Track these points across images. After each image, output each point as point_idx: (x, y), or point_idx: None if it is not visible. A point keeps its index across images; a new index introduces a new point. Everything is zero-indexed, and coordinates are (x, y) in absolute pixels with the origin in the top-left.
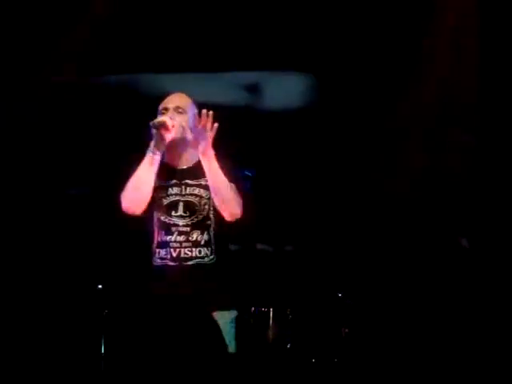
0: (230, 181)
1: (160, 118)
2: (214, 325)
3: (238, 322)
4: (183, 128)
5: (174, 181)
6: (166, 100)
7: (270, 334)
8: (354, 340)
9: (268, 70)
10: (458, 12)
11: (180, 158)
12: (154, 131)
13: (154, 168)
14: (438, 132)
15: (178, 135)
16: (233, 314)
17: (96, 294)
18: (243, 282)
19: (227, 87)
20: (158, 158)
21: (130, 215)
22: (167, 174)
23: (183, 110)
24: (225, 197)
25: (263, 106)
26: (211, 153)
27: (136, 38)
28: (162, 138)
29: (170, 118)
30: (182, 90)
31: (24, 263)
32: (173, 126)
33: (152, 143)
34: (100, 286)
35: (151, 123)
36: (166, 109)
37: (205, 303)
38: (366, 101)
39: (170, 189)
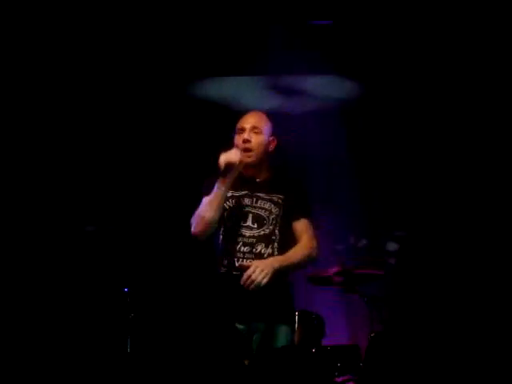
0: (309, 219)
1: (227, 159)
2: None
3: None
4: (259, 149)
5: (246, 192)
6: (243, 119)
7: (296, 337)
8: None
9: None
10: None
11: (256, 173)
12: (221, 168)
13: (219, 200)
14: None
15: (255, 158)
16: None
17: (122, 297)
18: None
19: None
20: (223, 193)
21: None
22: (240, 184)
23: (259, 130)
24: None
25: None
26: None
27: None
28: (230, 175)
29: (247, 141)
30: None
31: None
32: (240, 162)
33: (218, 180)
34: (126, 290)
35: (219, 163)
36: (243, 129)
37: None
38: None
39: (241, 199)
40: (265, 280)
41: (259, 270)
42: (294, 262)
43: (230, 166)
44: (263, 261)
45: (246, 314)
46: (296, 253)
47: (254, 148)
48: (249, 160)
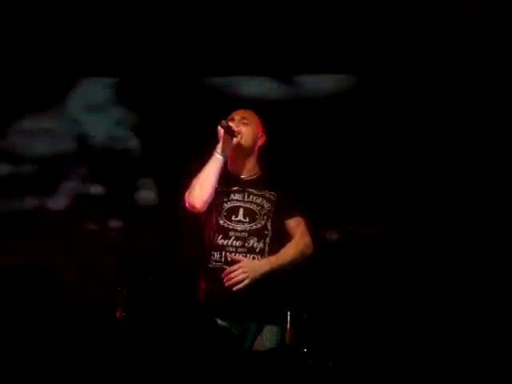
0: (301, 216)
1: (227, 123)
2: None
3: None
4: (247, 137)
5: (237, 187)
6: (232, 113)
7: (287, 337)
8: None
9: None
10: None
11: (243, 168)
12: (220, 133)
13: (218, 168)
14: None
15: (243, 142)
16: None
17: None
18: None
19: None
20: (222, 159)
21: (192, 212)
22: (230, 180)
23: (248, 121)
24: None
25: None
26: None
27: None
28: (227, 142)
29: (236, 126)
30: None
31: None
32: (238, 133)
33: (218, 145)
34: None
35: (220, 123)
36: (232, 119)
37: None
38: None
39: (231, 194)
40: (241, 284)
41: (241, 271)
42: (286, 261)
43: (230, 130)
44: (253, 262)
45: (237, 311)
46: (288, 251)
47: (243, 133)
48: (239, 140)
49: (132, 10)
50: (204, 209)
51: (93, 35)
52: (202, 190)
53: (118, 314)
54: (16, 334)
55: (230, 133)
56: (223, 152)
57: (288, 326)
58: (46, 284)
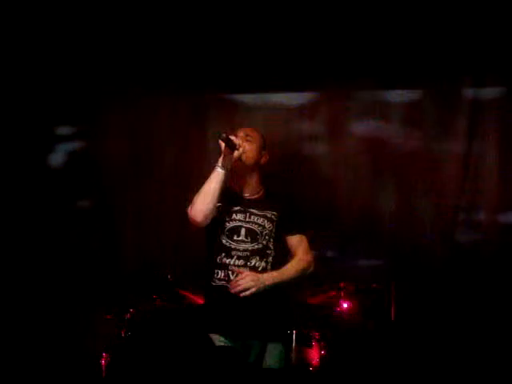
0: (303, 233)
1: (229, 136)
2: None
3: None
4: (250, 154)
5: (239, 207)
6: (236, 130)
7: (293, 356)
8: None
9: None
10: None
11: (246, 188)
12: (221, 147)
13: (220, 182)
14: None
15: (245, 159)
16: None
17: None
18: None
19: None
20: (223, 172)
21: (195, 226)
22: (233, 199)
23: (252, 138)
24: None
25: None
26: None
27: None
28: (229, 154)
29: (240, 142)
30: None
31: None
32: (240, 146)
33: (220, 158)
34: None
35: (220, 138)
36: (236, 135)
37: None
38: None
39: (234, 214)
40: (248, 292)
41: (249, 279)
42: (288, 277)
43: (231, 143)
44: (258, 274)
45: (241, 330)
46: (291, 268)
47: (246, 150)
48: (241, 155)
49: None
50: (206, 223)
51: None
52: (203, 204)
53: (122, 333)
54: None
55: (231, 145)
56: (224, 166)
57: (293, 345)
58: None
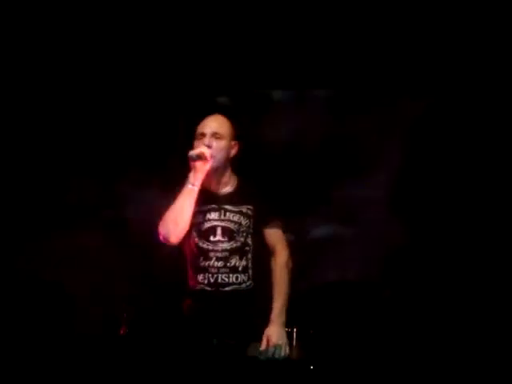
0: (281, 227)
1: (198, 150)
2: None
3: None
4: (221, 153)
5: (213, 205)
6: (202, 124)
7: (294, 354)
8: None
9: None
10: None
11: (219, 183)
12: (192, 163)
13: (193, 199)
14: None
15: (216, 163)
16: None
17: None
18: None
19: None
20: (196, 189)
21: (166, 244)
22: (206, 198)
23: (221, 135)
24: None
25: None
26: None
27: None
28: (200, 170)
29: (208, 147)
30: None
31: None
32: (211, 157)
33: (191, 175)
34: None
35: (189, 155)
36: (203, 134)
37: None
38: None
39: (208, 214)
40: (283, 352)
41: (274, 344)
42: (288, 290)
43: (201, 157)
44: (271, 331)
45: (223, 331)
46: (284, 283)
47: (215, 154)
48: (212, 165)
49: None
50: (177, 242)
51: None
52: (176, 226)
53: (121, 331)
54: None
55: (203, 159)
56: (197, 181)
57: (294, 342)
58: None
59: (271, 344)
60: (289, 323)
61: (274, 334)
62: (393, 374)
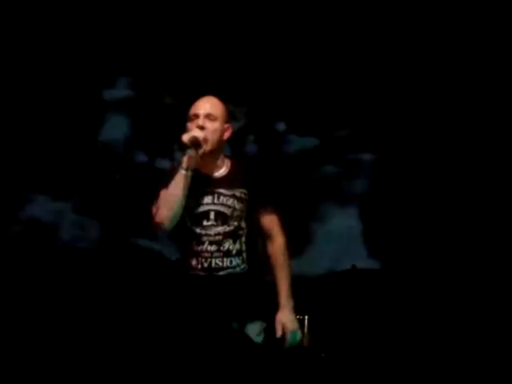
0: (275, 211)
1: (191, 134)
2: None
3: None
4: (215, 135)
5: (206, 189)
6: (196, 105)
7: (305, 341)
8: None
9: None
10: None
11: (212, 167)
12: (186, 148)
13: (187, 185)
14: None
15: (209, 146)
16: (261, 325)
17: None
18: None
19: None
20: (190, 174)
21: (159, 229)
22: (199, 182)
23: (214, 116)
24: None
25: None
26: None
27: None
28: (194, 155)
29: (201, 129)
30: None
31: None
32: (205, 141)
33: (184, 160)
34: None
35: (183, 140)
36: (197, 115)
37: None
38: None
39: (200, 198)
40: (299, 338)
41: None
42: (289, 275)
43: (195, 141)
44: (285, 317)
45: (219, 314)
46: (286, 267)
47: (208, 136)
48: (207, 149)
49: None
50: (171, 228)
51: None
52: (170, 211)
53: None
54: None
55: (197, 145)
56: (190, 166)
57: (305, 330)
58: None
59: (287, 331)
60: (300, 311)
61: (288, 320)
62: (403, 362)
